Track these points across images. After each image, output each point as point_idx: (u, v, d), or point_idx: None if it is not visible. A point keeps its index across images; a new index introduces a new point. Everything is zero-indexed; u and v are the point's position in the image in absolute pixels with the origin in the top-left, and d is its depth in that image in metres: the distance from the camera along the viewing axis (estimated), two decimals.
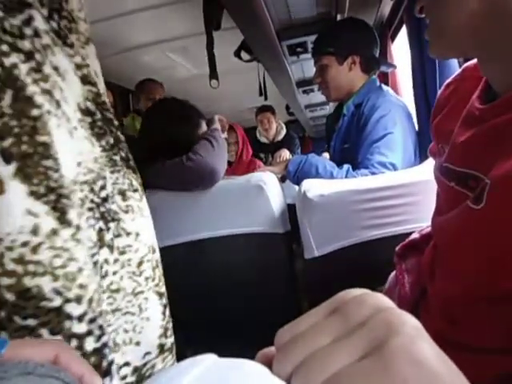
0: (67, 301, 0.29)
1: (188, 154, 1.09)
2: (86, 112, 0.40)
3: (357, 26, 1.35)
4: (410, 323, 0.19)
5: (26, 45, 0.32)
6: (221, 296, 1.13)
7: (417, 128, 1.32)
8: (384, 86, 1.37)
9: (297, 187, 1.15)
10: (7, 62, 0.30)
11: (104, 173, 0.41)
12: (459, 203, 0.38)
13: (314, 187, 1.03)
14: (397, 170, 1.17)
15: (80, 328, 0.28)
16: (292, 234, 1.18)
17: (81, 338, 0.28)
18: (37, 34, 0.35)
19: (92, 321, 0.30)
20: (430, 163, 0.94)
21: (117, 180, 0.45)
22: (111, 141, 0.44)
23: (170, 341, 0.49)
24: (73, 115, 0.37)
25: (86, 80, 0.42)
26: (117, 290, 0.42)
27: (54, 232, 0.30)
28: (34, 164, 0.30)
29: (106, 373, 0.33)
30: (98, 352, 0.31)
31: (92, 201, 0.39)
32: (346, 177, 1.19)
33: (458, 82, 0.53)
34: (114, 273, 0.42)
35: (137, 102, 2.20)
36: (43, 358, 0.24)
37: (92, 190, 0.39)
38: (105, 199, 0.41)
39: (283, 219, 1.15)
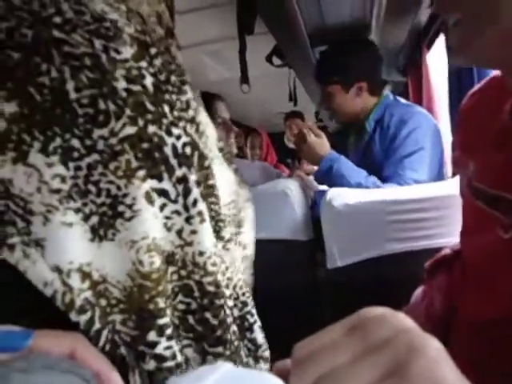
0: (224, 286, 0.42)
1: None
2: (221, 150, 0.50)
3: (361, 50, 1.31)
4: (433, 346, 0.18)
5: (190, 113, 0.40)
6: None
7: (451, 137, 1.28)
8: (399, 98, 1.33)
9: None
10: (190, 131, 0.38)
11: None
12: (489, 224, 0.37)
13: (339, 196, 1.01)
14: None
15: (230, 302, 0.41)
16: (316, 242, 1.17)
17: (231, 308, 0.41)
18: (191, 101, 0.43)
19: (236, 298, 0.42)
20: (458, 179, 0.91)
21: None
22: (234, 168, 0.54)
23: None
24: (217, 154, 0.47)
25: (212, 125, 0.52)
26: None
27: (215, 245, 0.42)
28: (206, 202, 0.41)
29: (248, 329, 0.44)
30: (241, 318, 0.43)
31: (234, 214, 0.49)
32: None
33: (482, 91, 0.51)
34: None
35: None
36: (61, 351, 0.24)
37: (234, 208, 0.49)
38: (235, 215, 0.50)
39: (307, 227, 1.14)
